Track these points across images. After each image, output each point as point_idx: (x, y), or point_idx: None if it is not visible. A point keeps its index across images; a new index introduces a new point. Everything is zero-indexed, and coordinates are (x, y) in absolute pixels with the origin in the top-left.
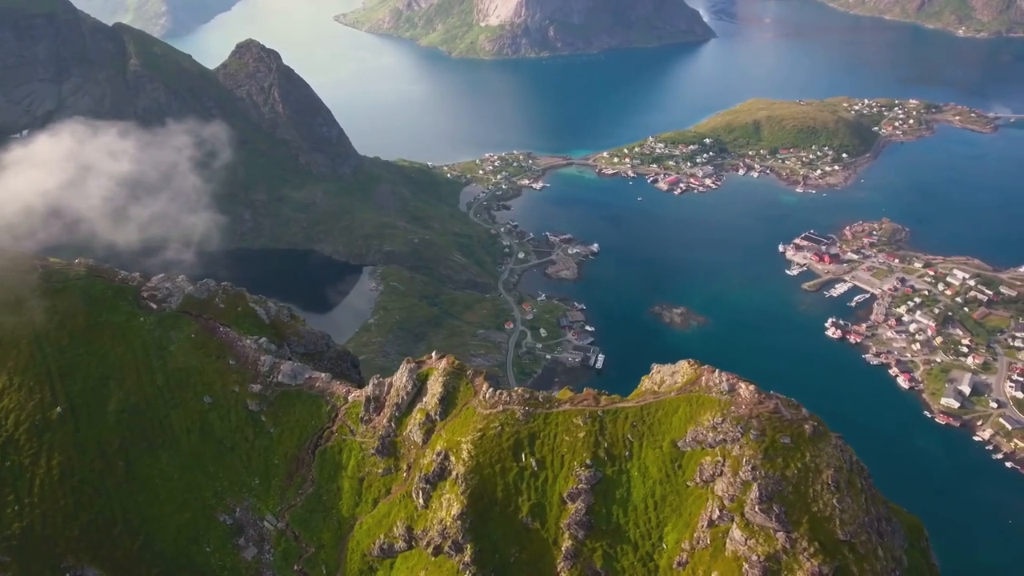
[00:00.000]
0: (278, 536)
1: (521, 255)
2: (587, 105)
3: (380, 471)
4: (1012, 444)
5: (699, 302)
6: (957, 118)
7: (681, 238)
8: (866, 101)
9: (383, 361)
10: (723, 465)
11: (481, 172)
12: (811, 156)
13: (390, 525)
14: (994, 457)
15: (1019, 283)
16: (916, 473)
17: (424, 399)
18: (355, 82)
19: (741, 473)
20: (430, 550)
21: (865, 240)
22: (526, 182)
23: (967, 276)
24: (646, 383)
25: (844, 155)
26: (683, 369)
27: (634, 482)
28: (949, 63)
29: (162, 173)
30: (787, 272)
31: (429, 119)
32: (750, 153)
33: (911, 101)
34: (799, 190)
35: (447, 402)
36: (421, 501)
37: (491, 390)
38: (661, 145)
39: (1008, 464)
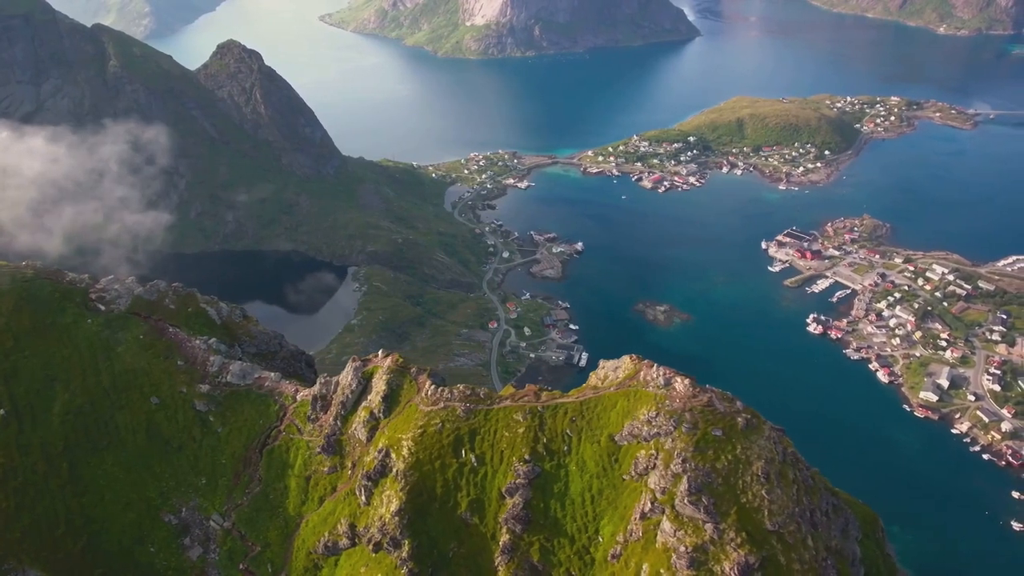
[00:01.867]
0: (224, 535)
1: (506, 254)
2: (572, 104)
3: (326, 469)
4: (989, 436)
5: (682, 299)
6: (938, 115)
7: (665, 236)
8: (848, 99)
9: None
10: (656, 458)
11: (466, 172)
12: (794, 153)
13: (334, 523)
14: (971, 449)
15: (997, 277)
16: (894, 466)
17: (369, 397)
18: (340, 82)
19: (672, 466)
20: (371, 547)
21: (846, 236)
22: (511, 181)
23: (946, 271)
24: (592, 379)
25: (826, 152)
26: (624, 364)
27: (572, 476)
28: (930, 60)
29: (94, 176)
30: (769, 269)
31: (414, 119)
32: (734, 151)
33: (892, 98)
34: (782, 187)
35: (391, 400)
36: (363, 498)
37: (433, 387)
38: (645, 144)
39: (985, 456)
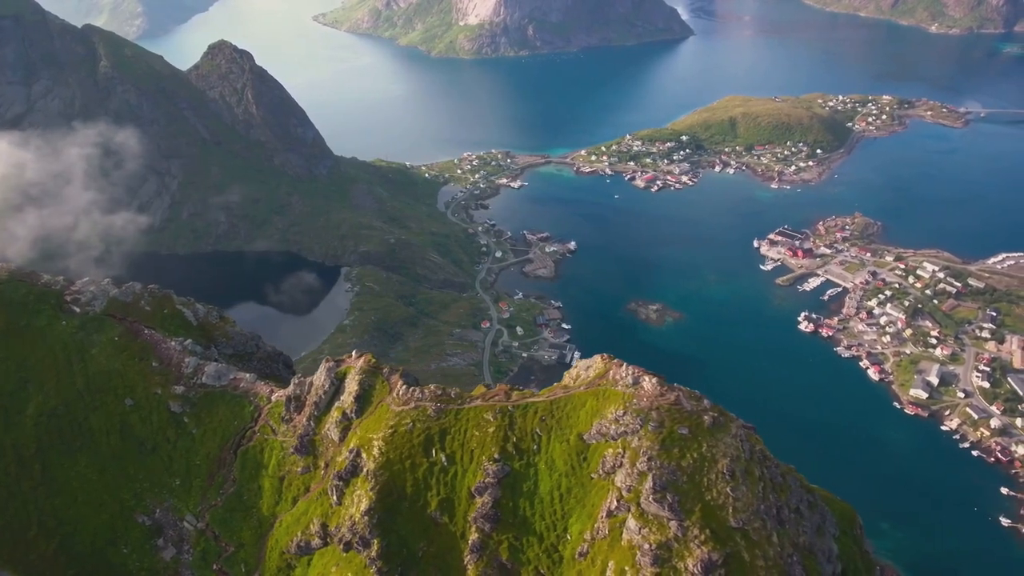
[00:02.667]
0: (198, 536)
1: (498, 254)
2: (565, 104)
3: (299, 469)
4: (978, 433)
5: (675, 298)
6: (929, 113)
7: (658, 235)
8: (840, 97)
9: None
10: (623, 457)
11: (459, 171)
12: (786, 152)
13: (307, 523)
14: (961, 446)
15: (987, 275)
16: (884, 462)
17: (341, 398)
18: (334, 82)
19: (638, 464)
20: (341, 546)
21: (838, 235)
22: (504, 181)
23: (936, 269)
24: (566, 378)
25: (818, 151)
26: (596, 364)
27: (541, 475)
28: (922, 59)
29: (61, 180)
30: (761, 267)
31: (408, 119)
32: (726, 150)
33: (884, 97)
34: (774, 186)
35: (363, 400)
36: (335, 498)
37: (404, 387)
38: (638, 143)
39: (974, 452)
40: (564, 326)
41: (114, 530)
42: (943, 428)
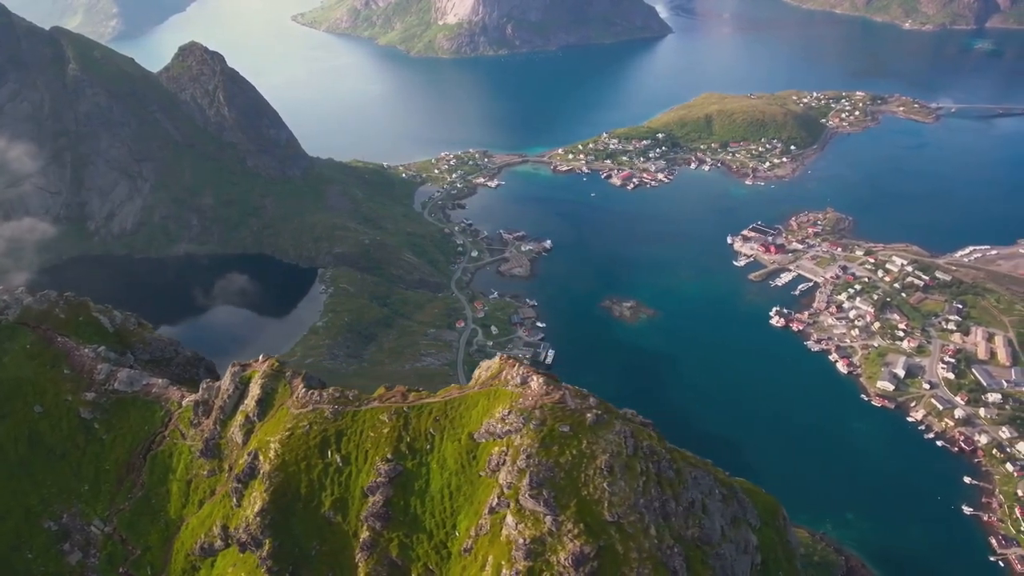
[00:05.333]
0: (105, 540)
1: (475, 253)
2: (544, 102)
3: (205, 473)
4: (943, 423)
5: (649, 295)
6: (901, 109)
7: (633, 233)
8: (815, 94)
9: (331, 364)
10: (506, 455)
11: (436, 171)
12: (760, 149)
13: (210, 525)
14: (926, 437)
15: (954, 268)
16: (851, 454)
17: (245, 401)
18: (311, 83)
19: (518, 462)
20: (238, 547)
21: (810, 230)
22: (481, 180)
23: (905, 263)
24: (472, 379)
25: (792, 147)
26: (493, 364)
27: (433, 474)
28: (895, 55)
29: None
30: (735, 263)
31: (386, 119)
32: (702, 147)
33: (858, 93)
34: (748, 182)
35: (264, 403)
36: (235, 500)
37: (304, 390)
38: (615, 141)
39: (939, 443)
40: (539, 324)
41: (19, 536)
42: (909, 419)
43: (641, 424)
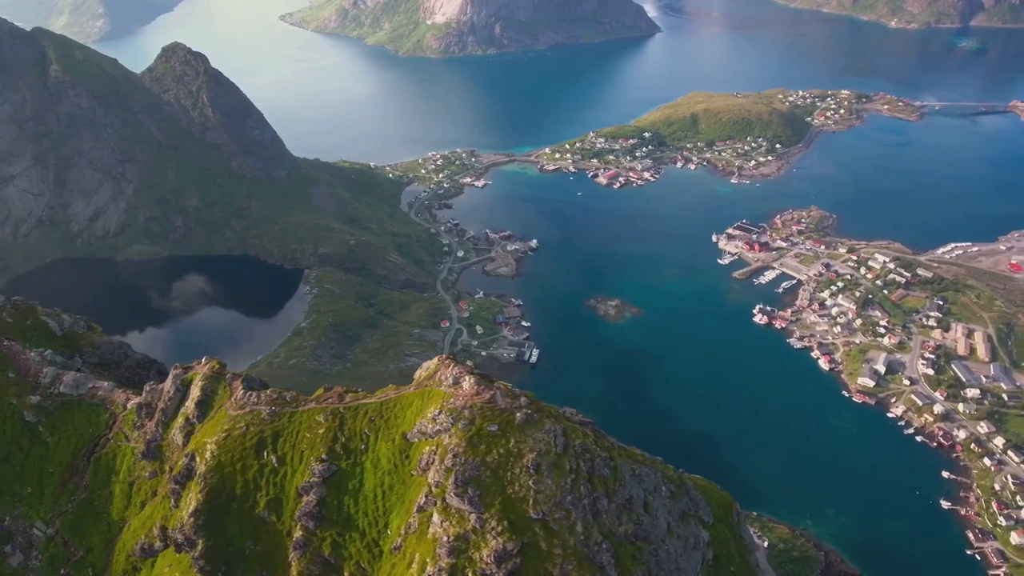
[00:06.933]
0: (47, 542)
1: (461, 253)
2: (531, 102)
3: (147, 474)
4: (923, 419)
5: (634, 294)
6: (886, 107)
7: (619, 232)
8: (801, 92)
9: (314, 365)
10: (435, 454)
11: (424, 171)
12: (746, 148)
13: (151, 526)
14: (906, 432)
15: (936, 265)
16: (832, 450)
17: (186, 403)
18: (299, 83)
19: (446, 461)
20: (174, 548)
21: (794, 228)
22: (468, 180)
23: (887, 260)
24: (414, 380)
25: (778, 146)
26: (431, 365)
27: (367, 473)
28: (881, 54)
29: None
30: (719, 261)
31: (374, 119)
32: (688, 146)
33: (843, 91)
34: (734, 181)
35: (204, 405)
36: (173, 501)
37: (243, 392)
38: (601, 140)
39: (918, 438)
40: (524, 324)
41: None
42: (889, 415)
43: (580, 423)
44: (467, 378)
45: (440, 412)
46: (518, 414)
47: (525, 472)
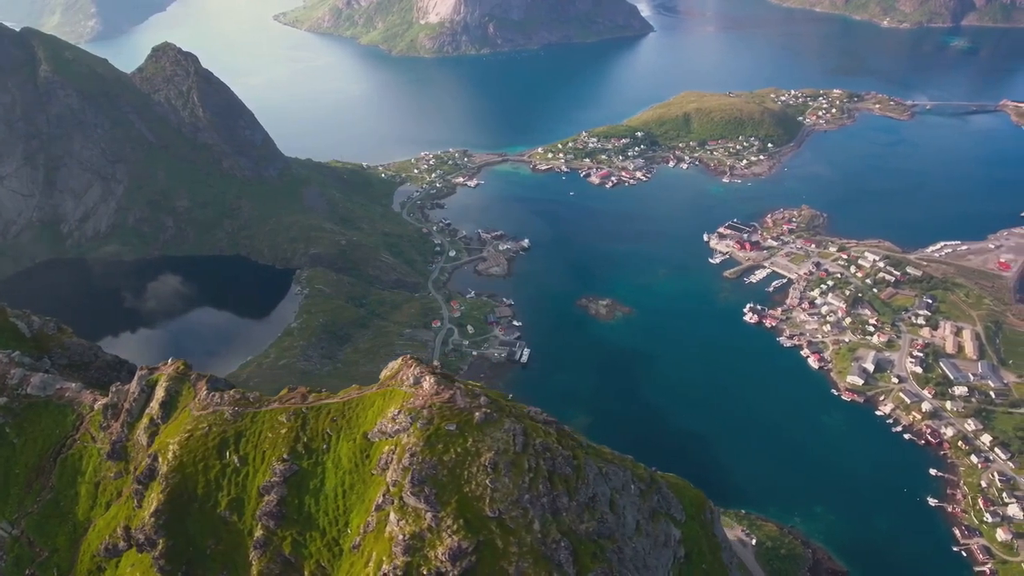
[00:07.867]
0: (12, 543)
1: (452, 253)
2: (524, 102)
3: (112, 475)
4: (911, 417)
5: (625, 293)
6: (877, 106)
7: (611, 231)
8: (793, 92)
9: (304, 365)
10: (394, 453)
11: (416, 171)
12: (738, 147)
13: (115, 526)
14: (894, 430)
15: (925, 263)
16: (821, 448)
17: (151, 404)
18: (292, 83)
19: (404, 460)
20: (136, 547)
21: (785, 227)
22: (461, 180)
23: (877, 258)
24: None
25: (769, 145)
26: (395, 365)
27: (328, 473)
28: (873, 53)
29: None
30: (710, 261)
31: (366, 119)
32: (680, 145)
33: (835, 91)
34: (726, 180)
35: (168, 406)
36: (136, 501)
37: (207, 392)
38: (594, 140)
39: (906, 436)
40: (515, 323)
41: None
42: (877, 413)
43: (544, 422)
44: (428, 378)
45: (400, 412)
46: (477, 413)
47: (482, 471)
